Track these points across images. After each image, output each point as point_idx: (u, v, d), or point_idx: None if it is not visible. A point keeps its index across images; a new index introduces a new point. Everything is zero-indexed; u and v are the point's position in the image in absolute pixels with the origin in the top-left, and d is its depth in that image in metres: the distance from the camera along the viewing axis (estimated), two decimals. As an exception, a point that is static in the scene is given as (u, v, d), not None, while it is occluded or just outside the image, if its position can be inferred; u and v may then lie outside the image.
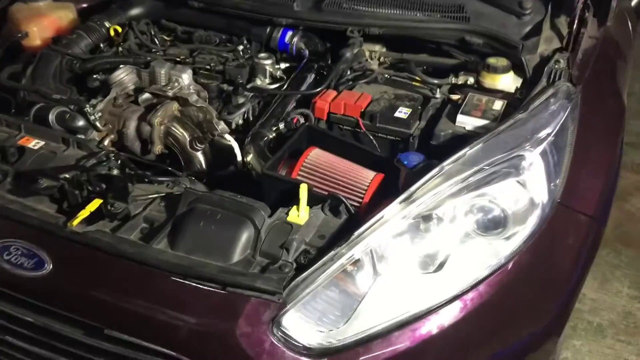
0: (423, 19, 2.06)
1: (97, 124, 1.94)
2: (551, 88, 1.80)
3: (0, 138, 1.84)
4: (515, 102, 1.91)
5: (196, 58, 2.17)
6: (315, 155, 1.76)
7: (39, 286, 1.48)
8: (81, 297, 1.47)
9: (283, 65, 2.24)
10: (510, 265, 1.53)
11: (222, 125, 2.01)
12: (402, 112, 1.89)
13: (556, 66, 1.89)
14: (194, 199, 1.59)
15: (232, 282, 1.41)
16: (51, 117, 1.93)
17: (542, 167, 1.64)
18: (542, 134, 1.69)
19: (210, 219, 1.53)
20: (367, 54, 2.14)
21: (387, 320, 1.45)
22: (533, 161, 1.62)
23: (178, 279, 1.44)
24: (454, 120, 1.85)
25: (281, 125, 1.91)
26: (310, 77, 2.12)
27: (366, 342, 1.44)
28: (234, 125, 2.05)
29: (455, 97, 1.98)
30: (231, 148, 1.90)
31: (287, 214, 1.58)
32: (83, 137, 1.92)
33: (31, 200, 1.65)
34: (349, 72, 2.08)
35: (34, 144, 1.83)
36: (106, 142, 1.98)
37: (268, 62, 2.16)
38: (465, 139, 1.80)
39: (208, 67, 2.15)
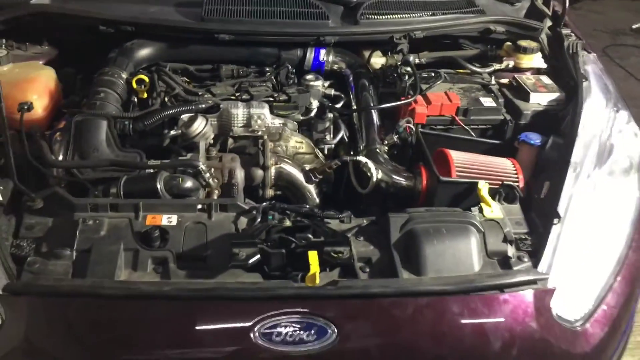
0: (457, 17, 2.24)
1: (210, 181, 1.73)
2: (579, 58, 2.16)
3: (120, 225, 1.55)
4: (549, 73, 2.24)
5: (252, 92, 2.03)
6: (455, 155, 1.84)
7: (335, 350, 1.35)
8: (383, 345, 1.38)
9: (326, 84, 2.22)
10: None
11: (320, 153, 1.96)
12: (488, 102, 2.06)
13: (569, 40, 2.25)
14: (404, 222, 1.57)
15: (510, 283, 1.47)
16: (160, 185, 1.66)
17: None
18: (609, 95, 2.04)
19: (439, 236, 1.54)
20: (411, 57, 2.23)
21: None
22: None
23: (460, 297, 1.44)
24: (527, 100, 2.08)
25: (395, 137, 1.93)
26: (370, 89, 2.15)
27: None
28: (326, 151, 2.00)
29: (504, 80, 2.21)
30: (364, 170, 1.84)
31: (481, 213, 1.66)
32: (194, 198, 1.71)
33: (226, 275, 1.46)
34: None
35: (168, 220, 1.59)
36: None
37: (318, 83, 2.13)
38: (545, 113, 2.05)
39: (272, 98, 2.03)
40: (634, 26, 5.87)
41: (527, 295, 1.47)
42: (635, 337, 2.82)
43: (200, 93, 2.03)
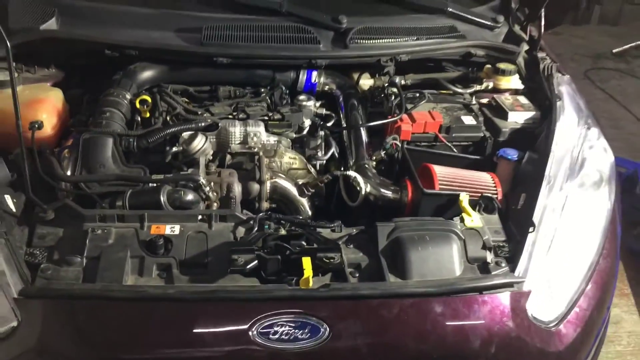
0: (440, 42, 2.39)
1: (210, 194, 1.85)
2: (554, 80, 2.31)
3: (127, 234, 1.67)
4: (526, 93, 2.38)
5: (248, 111, 2.17)
6: (438, 169, 1.98)
7: (328, 347, 1.46)
8: (372, 342, 1.50)
9: (318, 104, 2.36)
10: None
11: (312, 169, 2.09)
12: (469, 120, 2.20)
13: (544, 62, 2.41)
14: (391, 231, 1.70)
15: (489, 286, 1.59)
16: (163, 198, 1.78)
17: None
18: (581, 113, 2.18)
19: (423, 243, 1.67)
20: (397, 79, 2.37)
21: None
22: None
23: (442, 298, 1.56)
24: (505, 118, 2.23)
25: (382, 153, 2.07)
26: (359, 109, 2.29)
27: None
28: (318, 166, 2.13)
29: (484, 100, 2.35)
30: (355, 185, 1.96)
31: (462, 222, 1.79)
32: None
33: (226, 280, 1.59)
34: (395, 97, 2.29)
35: (171, 230, 1.71)
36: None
37: (310, 103, 2.27)
38: (522, 130, 2.20)
39: (267, 117, 2.16)
40: (615, 50, 6.10)
41: (504, 297, 1.60)
42: (615, 346, 2.95)
43: (199, 112, 2.16)
